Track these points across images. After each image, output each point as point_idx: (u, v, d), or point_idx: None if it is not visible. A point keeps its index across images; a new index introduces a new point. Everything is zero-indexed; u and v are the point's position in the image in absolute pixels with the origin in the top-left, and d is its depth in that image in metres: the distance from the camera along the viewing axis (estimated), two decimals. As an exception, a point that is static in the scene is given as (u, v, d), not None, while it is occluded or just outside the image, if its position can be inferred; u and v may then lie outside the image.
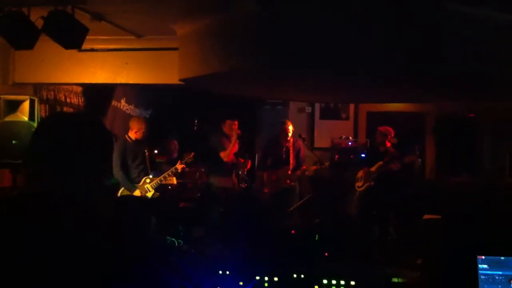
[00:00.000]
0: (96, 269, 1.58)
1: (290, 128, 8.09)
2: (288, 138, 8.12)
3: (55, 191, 1.68)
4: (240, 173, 8.14)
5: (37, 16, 5.24)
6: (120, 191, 6.83)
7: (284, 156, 8.15)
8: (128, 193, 6.78)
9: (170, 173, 7.14)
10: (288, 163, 8.10)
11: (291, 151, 8.15)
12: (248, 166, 8.22)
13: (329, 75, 5.60)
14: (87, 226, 1.62)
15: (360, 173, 8.10)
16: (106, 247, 1.62)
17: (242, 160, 8.17)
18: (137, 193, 6.82)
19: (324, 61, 4.84)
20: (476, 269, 3.00)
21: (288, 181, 8.07)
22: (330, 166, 9.00)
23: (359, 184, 8.08)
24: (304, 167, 8.26)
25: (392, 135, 8.07)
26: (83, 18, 5.60)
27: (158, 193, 6.98)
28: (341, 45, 4.74)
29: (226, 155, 7.90)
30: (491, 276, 2.98)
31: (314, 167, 8.55)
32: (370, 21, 4.69)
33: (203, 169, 8.51)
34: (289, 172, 8.05)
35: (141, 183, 6.94)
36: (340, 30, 4.73)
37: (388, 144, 8.03)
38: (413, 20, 4.70)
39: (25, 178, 1.70)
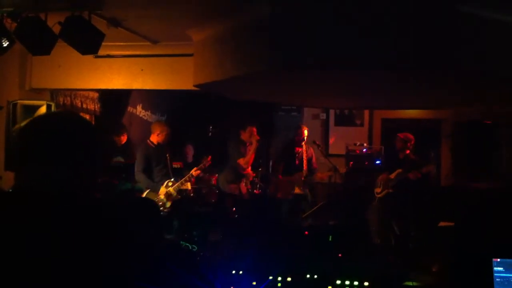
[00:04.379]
0: (92, 266, 1.56)
1: (305, 132, 8.10)
2: (302, 143, 8.11)
3: (49, 188, 1.65)
4: (252, 179, 8.05)
5: (54, 22, 5.29)
6: (145, 193, 6.93)
7: (297, 162, 8.14)
8: (153, 194, 6.87)
9: (187, 178, 7.21)
10: (301, 169, 8.08)
11: (304, 157, 8.13)
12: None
13: (344, 74, 5.59)
14: (83, 222, 1.59)
15: (380, 178, 8.05)
16: (103, 244, 1.59)
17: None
18: (162, 191, 6.91)
19: (338, 61, 4.85)
20: (491, 271, 2.98)
21: (300, 188, 8.03)
22: (345, 172, 8.93)
23: (378, 190, 8.02)
24: (318, 174, 8.23)
25: (412, 142, 8.01)
26: (99, 24, 5.66)
27: (179, 196, 7.10)
28: (353, 45, 4.75)
29: (246, 162, 7.82)
30: (507, 279, 2.95)
31: (328, 173, 8.43)
32: (384, 20, 4.71)
33: (217, 175, 8.53)
34: (302, 178, 8.03)
35: (163, 185, 7.05)
36: (353, 30, 4.75)
37: (408, 152, 7.98)
38: (427, 19, 4.71)
39: (15, 176, 1.64)
